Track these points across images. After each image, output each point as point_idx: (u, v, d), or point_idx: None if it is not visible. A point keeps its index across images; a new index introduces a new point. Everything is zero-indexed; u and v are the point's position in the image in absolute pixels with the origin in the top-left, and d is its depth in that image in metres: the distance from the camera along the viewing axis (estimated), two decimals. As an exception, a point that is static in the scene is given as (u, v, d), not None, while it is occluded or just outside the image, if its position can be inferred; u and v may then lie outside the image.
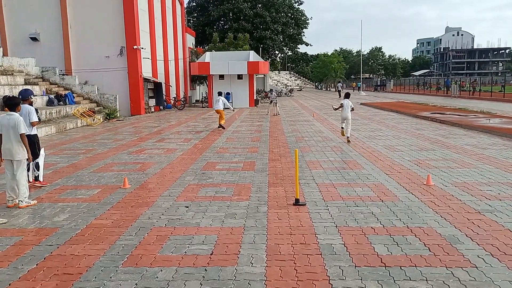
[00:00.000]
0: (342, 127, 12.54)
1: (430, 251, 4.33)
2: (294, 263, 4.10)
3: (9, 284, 3.77)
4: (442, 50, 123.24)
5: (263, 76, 47.10)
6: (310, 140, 12.67)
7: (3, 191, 6.81)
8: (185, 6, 45.61)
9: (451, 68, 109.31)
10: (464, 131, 14.34)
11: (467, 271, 3.87)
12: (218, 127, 16.36)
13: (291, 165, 8.91)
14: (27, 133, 6.92)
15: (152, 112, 26.92)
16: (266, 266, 4.05)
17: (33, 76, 21.29)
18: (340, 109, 12.61)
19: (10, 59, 20.54)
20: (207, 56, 31.77)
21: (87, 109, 20.00)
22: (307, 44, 69.51)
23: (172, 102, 30.51)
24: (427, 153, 10.09)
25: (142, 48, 24.77)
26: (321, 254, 4.30)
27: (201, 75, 35.87)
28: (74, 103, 20.76)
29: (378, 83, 75.15)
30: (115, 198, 6.54)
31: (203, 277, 3.84)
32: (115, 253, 4.41)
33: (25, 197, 6.17)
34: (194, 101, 39.25)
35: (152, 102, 27.76)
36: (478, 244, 4.48)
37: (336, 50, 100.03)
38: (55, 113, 17.97)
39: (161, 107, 28.87)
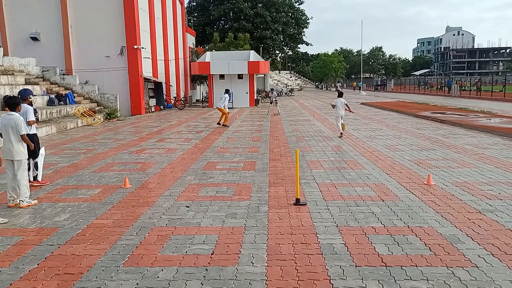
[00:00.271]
0: (338, 126, 13.48)
1: (430, 250, 4.33)
2: (294, 262, 4.10)
3: (10, 284, 3.78)
4: (442, 49, 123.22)
5: (263, 75, 47.14)
6: (311, 140, 12.68)
7: (4, 191, 6.82)
8: (186, 5, 45.62)
9: (451, 67, 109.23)
10: (465, 130, 14.34)
11: (467, 271, 3.87)
12: (217, 124, 16.75)
13: (291, 164, 8.91)
14: (27, 132, 6.94)
15: (153, 111, 26.92)
16: (267, 266, 4.05)
17: (34, 76, 21.30)
18: (335, 107, 13.61)
19: (10, 59, 20.54)
20: (208, 56, 31.77)
21: (87, 109, 20.00)
22: (307, 44, 69.54)
23: (173, 101, 30.51)
24: (428, 152, 10.08)
25: (143, 47, 24.77)
26: (321, 253, 4.30)
27: (201, 75, 35.87)
28: (75, 103, 20.78)
29: (379, 83, 75.11)
30: (116, 198, 6.54)
31: (204, 277, 3.84)
32: (116, 253, 4.42)
33: (26, 197, 6.18)
34: (195, 101, 39.24)
35: (153, 101, 27.77)
36: (478, 244, 4.48)
37: (336, 50, 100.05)
38: (56, 113, 17.98)
39: (162, 107, 28.87)
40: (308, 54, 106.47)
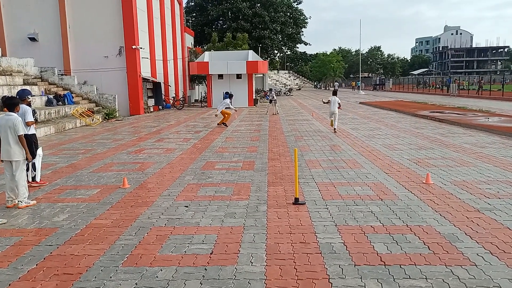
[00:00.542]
0: (331, 119, 14.63)
1: (429, 249, 4.33)
2: (293, 262, 4.10)
3: (9, 285, 3.77)
4: (441, 49, 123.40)
5: (262, 75, 47.15)
6: (310, 139, 12.68)
7: (2, 191, 6.80)
8: (184, 5, 45.59)
9: (450, 67, 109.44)
10: (463, 129, 14.36)
11: (466, 269, 3.87)
12: (218, 124, 17.15)
13: (290, 164, 8.91)
14: (25, 133, 6.92)
15: (151, 112, 26.90)
16: (266, 265, 4.05)
17: (32, 76, 21.26)
18: (328, 104, 14.67)
19: (8, 59, 20.51)
20: (206, 56, 31.75)
21: (86, 109, 19.97)
22: (306, 44, 69.61)
23: (171, 102, 30.48)
24: (426, 151, 10.10)
25: (141, 48, 24.75)
26: (320, 253, 4.31)
27: (200, 75, 35.85)
28: (73, 103, 20.74)
29: (377, 82, 75.16)
30: (115, 198, 6.54)
31: (203, 277, 3.84)
32: (115, 253, 4.41)
33: (25, 198, 6.17)
34: (193, 101, 39.23)
35: (151, 102, 27.75)
36: (477, 242, 4.48)
37: (335, 50, 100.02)
38: (54, 113, 17.95)
39: (160, 107, 28.85)
40: (306, 53, 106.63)
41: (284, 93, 54.85)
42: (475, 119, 16.84)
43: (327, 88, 75.84)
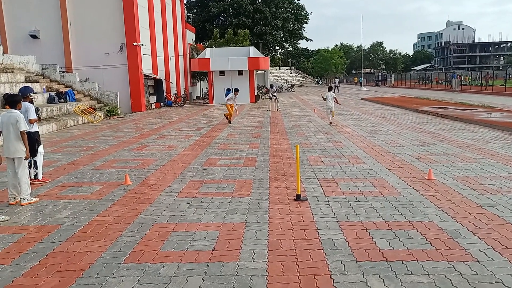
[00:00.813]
0: (328, 115, 15.69)
1: (431, 245, 4.33)
2: (295, 258, 4.11)
3: (12, 281, 3.79)
4: (443, 44, 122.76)
5: (263, 71, 47.05)
6: (311, 136, 12.67)
7: (5, 188, 6.82)
8: (185, 2, 45.49)
9: (452, 62, 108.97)
10: (466, 125, 14.32)
11: (468, 265, 3.87)
12: (230, 119, 17.23)
13: (292, 160, 8.90)
14: (28, 130, 6.93)
15: (153, 108, 26.91)
16: (268, 261, 4.05)
17: (34, 74, 21.29)
18: (326, 99, 15.68)
19: (10, 56, 20.53)
20: (207, 52, 31.71)
21: (87, 106, 19.99)
22: (307, 40, 69.28)
23: (173, 98, 30.49)
24: (428, 147, 10.07)
25: (142, 44, 24.73)
26: (322, 249, 4.31)
27: (201, 71, 35.82)
28: (75, 101, 20.77)
29: (379, 78, 74.93)
30: (117, 195, 6.55)
31: (205, 273, 3.85)
32: (117, 249, 4.42)
33: (27, 195, 6.19)
34: (195, 98, 39.20)
35: (153, 98, 27.75)
36: (479, 238, 4.48)
37: (336, 45, 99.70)
38: (56, 110, 17.98)
39: (162, 104, 28.86)
40: (308, 49, 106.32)
41: (286, 89, 54.75)
42: (478, 114, 16.78)
43: (329, 84, 75.65)
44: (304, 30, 66.26)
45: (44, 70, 22.22)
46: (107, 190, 6.88)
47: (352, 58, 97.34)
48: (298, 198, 6.03)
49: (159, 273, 3.88)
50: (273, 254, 4.20)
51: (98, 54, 23.93)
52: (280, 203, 5.91)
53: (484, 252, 4.13)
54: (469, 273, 3.73)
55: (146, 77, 25.75)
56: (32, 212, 5.82)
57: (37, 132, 7.50)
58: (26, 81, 19.27)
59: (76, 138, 13.63)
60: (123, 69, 24.11)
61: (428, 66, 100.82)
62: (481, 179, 6.96)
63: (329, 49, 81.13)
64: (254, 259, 4.11)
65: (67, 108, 18.96)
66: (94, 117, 19.33)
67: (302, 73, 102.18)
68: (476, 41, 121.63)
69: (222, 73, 30.79)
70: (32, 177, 7.29)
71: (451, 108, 20.05)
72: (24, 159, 6.31)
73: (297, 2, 64.11)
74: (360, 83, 61.93)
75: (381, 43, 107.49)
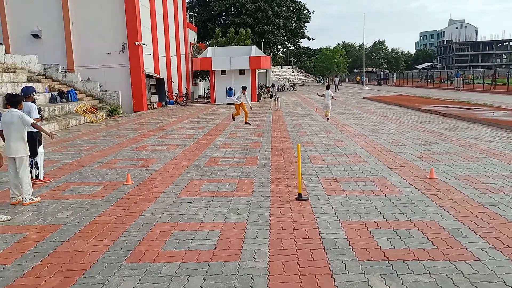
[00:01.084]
0: (325, 110, 16.82)
1: (433, 244, 4.32)
2: (297, 257, 4.10)
3: (14, 281, 3.80)
4: (445, 43, 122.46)
5: (265, 71, 47.06)
6: (313, 135, 12.65)
7: (6, 188, 6.84)
8: (187, 1, 45.49)
9: (454, 61, 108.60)
10: (468, 124, 14.28)
11: (470, 265, 3.86)
12: (245, 123, 16.25)
13: (293, 160, 8.90)
14: (30, 130, 6.94)
15: (155, 108, 26.94)
16: (269, 261, 4.05)
17: (36, 73, 21.34)
18: (323, 97, 16.88)
19: (12, 56, 20.59)
20: (209, 52, 31.71)
21: (89, 106, 20.04)
22: (309, 38, 69.28)
23: (175, 98, 30.52)
24: (430, 146, 10.05)
25: (144, 44, 24.76)
26: (323, 248, 4.30)
27: (203, 71, 35.84)
28: (77, 100, 20.81)
29: (381, 77, 74.78)
30: (118, 195, 6.56)
31: (206, 272, 3.85)
32: (119, 249, 4.43)
33: (29, 194, 6.20)
34: (197, 97, 39.23)
35: (155, 98, 27.78)
36: (481, 237, 4.46)
37: (338, 44, 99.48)
38: (58, 110, 18.02)
39: (164, 103, 28.89)
40: (310, 48, 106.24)
41: (288, 88, 54.73)
42: (480, 113, 16.73)
43: (330, 83, 75.62)
44: (306, 29, 66.33)
45: (46, 70, 22.27)
46: (108, 189, 6.89)
47: (354, 57, 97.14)
48: (299, 197, 6.03)
49: (160, 272, 3.88)
50: (274, 254, 4.20)
51: (100, 53, 23.98)
52: (282, 203, 5.90)
53: (486, 251, 4.12)
54: (471, 272, 3.72)
55: (148, 76, 25.77)
56: (33, 211, 5.83)
57: (39, 132, 7.49)
58: (28, 81, 19.33)
59: (78, 137, 13.65)
60: (125, 68, 24.15)
61: (430, 65, 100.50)
62: (483, 178, 6.93)
63: (331, 48, 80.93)
64: (255, 258, 4.11)
65: (69, 107, 19.01)
66: (96, 116, 19.36)
67: (304, 72, 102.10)
68: (479, 39, 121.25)
69: (223, 72, 30.78)
70: (34, 177, 7.30)
71: (453, 107, 20.00)
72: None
73: (298, 1, 64.10)
74: (363, 82, 61.82)
75: (383, 41, 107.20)
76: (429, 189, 6.37)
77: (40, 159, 7.47)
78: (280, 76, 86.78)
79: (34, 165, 7.32)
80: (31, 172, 6.93)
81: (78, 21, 23.99)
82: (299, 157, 6.26)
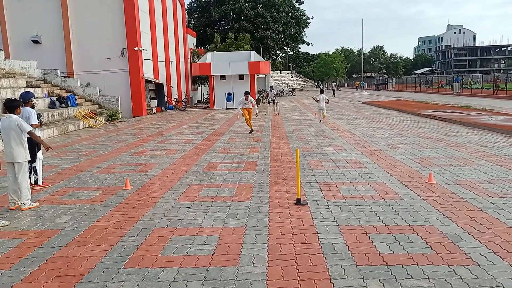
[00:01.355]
0: (321, 113, 17.90)
1: (432, 249, 4.31)
2: (295, 262, 4.10)
3: (11, 286, 3.78)
4: (443, 48, 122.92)
5: (264, 76, 47.17)
6: (312, 140, 12.67)
7: (5, 193, 6.83)
8: (186, 7, 45.67)
9: (452, 66, 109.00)
10: (466, 129, 14.30)
11: (469, 269, 3.85)
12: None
13: (292, 164, 8.90)
14: (29, 135, 6.93)
15: (154, 113, 26.96)
16: (268, 266, 4.04)
17: (35, 79, 21.36)
18: (318, 102, 17.78)
19: (12, 61, 20.61)
20: (208, 57, 31.79)
21: (89, 111, 20.04)
22: (308, 44, 69.56)
23: (174, 103, 30.55)
24: (429, 151, 10.06)
25: (143, 49, 24.82)
26: (322, 253, 4.30)
27: (202, 76, 35.93)
28: (76, 105, 20.82)
29: (380, 82, 74.97)
30: (117, 200, 6.55)
31: (204, 278, 3.84)
32: (117, 254, 4.42)
33: (27, 200, 6.19)
34: (196, 102, 39.28)
35: (154, 103, 27.80)
36: (480, 242, 4.46)
37: (337, 49, 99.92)
38: (57, 115, 18.02)
39: (163, 108, 28.92)
40: (309, 54, 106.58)
41: (287, 93, 54.83)
42: (479, 118, 16.77)
43: (329, 88, 75.80)
44: (304, 35, 66.58)
45: (46, 75, 22.29)
46: (107, 194, 6.88)
47: (353, 62, 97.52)
48: (298, 202, 6.02)
49: (159, 277, 3.87)
50: (273, 259, 4.19)
51: (100, 59, 24.02)
52: (280, 207, 5.90)
53: (485, 256, 4.11)
54: (470, 277, 3.71)
55: (147, 81, 25.81)
56: (32, 217, 5.82)
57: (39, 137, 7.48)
58: (27, 86, 19.34)
59: (77, 142, 13.65)
60: (124, 73, 24.19)
61: (429, 70, 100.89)
62: (481, 182, 6.94)
63: (329, 53, 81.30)
64: (254, 263, 4.10)
65: (68, 113, 19.01)
66: (95, 121, 19.37)
67: (303, 77, 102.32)
68: (477, 44, 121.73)
69: (223, 77, 30.85)
70: (33, 182, 7.29)
71: (452, 112, 20.04)
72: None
73: (297, 6, 64.39)
74: (361, 87, 61.99)
75: (381, 47, 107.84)
76: (428, 193, 6.38)
77: (38, 164, 7.46)
78: (279, 81, 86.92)
79: (32, 170, 7.31)
80: (29, 177, 6.92)
81: (78, 26, 24.07)
82: (298, 162, 6.27)
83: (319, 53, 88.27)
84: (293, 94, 54.31)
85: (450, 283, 3.61)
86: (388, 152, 10.13)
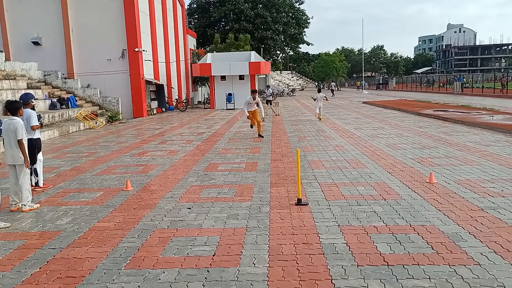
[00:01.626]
0: (317, 113, 19.01)
1: (433, 249, 4.31)
2: (296, 263, 4.09)
3: (13, 288, 3.79)
4: (444, 47, 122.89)
5: (265, 76, 47.19)
6: (313, 140, 12.66)
7: (6, 195, 6.83)
8: (186, 7, 45.70)
9: (453, 65, 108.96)
10: (467, 128, 14.29)
11: (470, 269, 3.85)
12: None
13: (293, 165, 8.90)
14: (29, 137, 6.95)
15: (155, 114, 26.97)
16: (269, 266, 4.04)
17: (36, 80, 21.38)
18: (315, 100, 19.11)
19: (12, 63, 20.64)
20: (209, 57, 31.80)
21: (89, 112, 20.06)
22: (308, 44, 69.58)
23: (174, 103, 30.56)
24: (430, 151, 10.05)
25: (144, 50, 24.83)
26: (323, 253, 4.29)
27: (202, 76, 35.93)
28: (77, 107, 20.84)
29: (380, 81, 74.93)
30: (118, 201, 6.55)
31: (205, 278, 3.84)
32: (118, 255, 4.42)
33: (28, 201, 6.20)
34: (196, 103, 39.30)
35: (154, 104, 27.83)
36: (481, 242, 4.45)
37: (337, 49, 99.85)
38: (58, 116, 18.03)
39: (164, 109, 28.93)
40: (309, 54, 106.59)
41: (287, 93, 54.83)
42: (479, 117, 16.75)
43: (329, 88, 75.81)
44: (305, 35, 66.62)
45: (46, 77, 22.31)
46: (108, 196, 6.89)
47: (353, 62, 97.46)
48: (299, 202, 6.02)
49: (160, 279, 3.87)
50: (274, 259, 4.19)
51: (100, 60, 24.04)
52: (281, 208, 5.90)
53: (486, 256, 4.11)
54: (471, 277, 3.71)
55: (148, 82, 25.83)
56: (33, 218, 5.83)
57: (39, 139, 7.50)
58: (28, 88, 19.36)
59: (78, 144, 13.66)
60: (125, 75, 24.20)
61: (429, 69, 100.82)
62: (482, 182, 6.93)
63: (330, 53, 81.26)
64: (254, 264, 4.10)
65: (69, 114, 19.03)
66: (96, 123, 19.38)
67: (303, 77, 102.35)
68: (477, 43, 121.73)
69: (223, 78, 30.86)
70: (33, 184, 7.29)
71: (452, 111, 20.03)
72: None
73: (298, 6, 64.41)
74: (362, 86, 61.95)
75: (382, 46, 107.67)
76: (429, 193, 6.37)
77: (39, 166, 7.46)
78: (279, 81, 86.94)
79: (33, 172, 7.31)
80: (30, 179, 6.92)
81: (78, 28, 24.09)
82: (299, 162, 6.27)
83: (320, 53, 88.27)
84: (294, 94, 54.30)
85: (451, 283, 3.61)
86: (389, 151, 10.13)
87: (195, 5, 61.33)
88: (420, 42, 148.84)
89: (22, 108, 6.57)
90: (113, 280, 3.87)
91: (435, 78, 61.58)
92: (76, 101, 21.24)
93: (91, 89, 23.07)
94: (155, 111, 27.38)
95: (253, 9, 56.12)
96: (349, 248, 4.41)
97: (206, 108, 31.99)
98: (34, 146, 7.22)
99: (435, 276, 3.74)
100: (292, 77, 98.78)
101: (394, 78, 78.45)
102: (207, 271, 3.99)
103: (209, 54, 32.82)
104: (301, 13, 63.86)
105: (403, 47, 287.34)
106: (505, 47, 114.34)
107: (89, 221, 5.60)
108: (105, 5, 23.93)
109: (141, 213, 5.87)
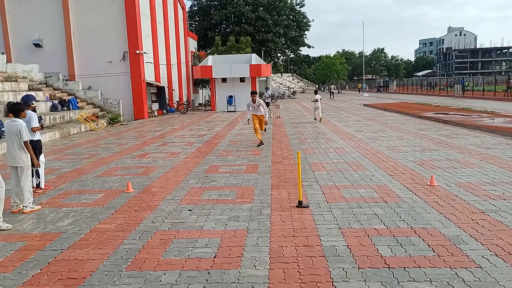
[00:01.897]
0: (316, 114, 19.73)
1: (434, 252, 4.30)
2: (297, 265, 4.09)
3: (14, 289, 3.79)
4: (444, 50, 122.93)
5: (266, 79, 47.23)
6: (313, 142, 12.66)
7: (8, 196, 6.84)
8: (187, 10, 45.80)
9: (454, 68, 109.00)
10: (468, 131, 14.28)
11: (471, 272, 3.84)
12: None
13: (294, 167, 8.90)
14: (30, 139, 6.94)
15: (155, 116, 27.00)
16: (269, 268, 4.04)
17: (37, 82, 21.43)
18: (314, 101, 19.82)
19: (13, 65, 20.69)
20: (210, 60, 31.86)
21: (90, 114, 20.09)
22: (309, 46, 69.69)
23: (175, 106, 30.59)
24: (431, 153, 10.05)
25: (145, 52, 24.89)
26: (324, 256, 4.29)
27: (203, 79, 35.98)
28: (78, 108, 20.88)
29: (381, 84, 74.97)
30: (119, 203, 6.55)
31: (206, 280, 3.84)
32: (119, 257, 4.42)
33: (30, 203, 6.20)
34: (197, 105, 39.35)
35: (155, 106, 27.87)
36: (482, 245, 4.45)
37: (338, 52, 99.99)
38: (59, 118, 18.06)
39: (164, 111, 28.96)
40: (310, 56, 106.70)
41: (288, 96, 54.88)
42: (480, 120, 16.75)
43: (330, 90, 75.86)
44: (305, 37, 66.75)
45: (48, 79, 22.36)
46: (109, 197, 6.89)
47: (354, 65, 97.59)
48: (300, 204, 6.02)
49: (161, 280, 3.87)
50: (275, 261, 4.19)
51: (101, 62, 24.09)
52: (282, 210, 5.90)
53: (487, 259, 4.10)
54: (472, 279, 3.70)
55: (149, 84, 25.88)
56: (34, 220, 5.83)
57: (39, 140, 7.51)
58: (29, 90, 19.40)
59: (79, 145, 13.68)
60: (126, 77, 24.25)
61: (430, 72, 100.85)
62: (483, 185, 6.93)
63: (330, 55, 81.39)
64: (255, 266, 4.10)
65: (70, 116, 19.06)
66: (97, 124, 19.40)
67: (304, 79, 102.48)
68: (478, 46, 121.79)
69: (224, 80, 30.91)
70: (35, 185, 7.30)
71: (453, 114, 20.02)
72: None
73: (298, 9, 64.57)
74: (363, 89, 62.00)
75: (382, 49, 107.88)
76: (430, 196, 6.37)
77: (41, 167, 7.47)
78: (280, 84, 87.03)
79: (35, 173, 7.32)
80: (32, 181, 6.93)
81: (79, 30, 24.16)
82: (299, 164, 6.27)
83: (320, 56, 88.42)
84: (295, 97, 54.37)
85: (452, 286, 3.60)
86: (390, 154, 10.12)
87: (196, 8, 61.50)
88: (420, 45, 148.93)
89: (25, 110, 6.58)
90: (114, 281, 3.87)
91: (436, 81, 61.57)
92: (77, 103, 21.28)
93: (92, 91, 23.11)
94: (156, 113, 27.41)
95: (254, 12, 56.26)
96: (350, 250, 4.41)
97: (207, 110, 32.02)
98: (35, 148, 7.21)
99: (436, 279, 3.74)
100: (293, 79, 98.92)
101: (395, 81, 78.52)
102: (208, 273, 3.99)
103: (210, 57, 32.89)
104: (301, 16, 64.02)
105: (404, 50, 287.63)
106: (506, 50, 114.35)
107: (90, 222, 5.61)
108: (107, 7, 24.01)
109: (142, 215, 5.87)
